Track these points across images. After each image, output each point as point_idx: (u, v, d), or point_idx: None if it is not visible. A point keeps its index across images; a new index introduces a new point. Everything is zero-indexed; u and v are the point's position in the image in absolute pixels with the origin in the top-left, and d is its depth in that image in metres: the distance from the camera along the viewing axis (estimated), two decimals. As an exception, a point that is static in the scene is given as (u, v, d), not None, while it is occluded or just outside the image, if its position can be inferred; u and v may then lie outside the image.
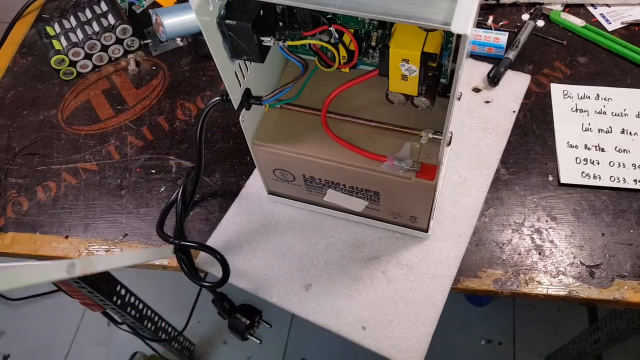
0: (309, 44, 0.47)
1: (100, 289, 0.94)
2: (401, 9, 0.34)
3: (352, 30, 0.47)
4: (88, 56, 0.74)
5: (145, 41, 0.78)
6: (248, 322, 0.67)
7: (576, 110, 0.66)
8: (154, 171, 0.67)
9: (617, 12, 0.73)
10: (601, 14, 0.73)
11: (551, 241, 0.58)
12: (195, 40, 0.75)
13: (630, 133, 0.63)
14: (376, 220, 0.59)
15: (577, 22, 0.71)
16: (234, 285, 0.59)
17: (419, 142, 0.51)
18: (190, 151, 0.69)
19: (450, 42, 0.46)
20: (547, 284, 0.56)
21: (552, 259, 0.57)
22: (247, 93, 0.49)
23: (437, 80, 0.48)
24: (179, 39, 0.77)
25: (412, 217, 0.56)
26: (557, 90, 0.68)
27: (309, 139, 0.52)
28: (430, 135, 0.50)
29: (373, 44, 0.49)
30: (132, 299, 1.03)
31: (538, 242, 0.59)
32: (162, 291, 1.41)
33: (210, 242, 0.61)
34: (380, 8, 0.34)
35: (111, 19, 0.74)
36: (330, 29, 0.43)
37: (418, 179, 0.49)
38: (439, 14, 0.34)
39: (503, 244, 0.59)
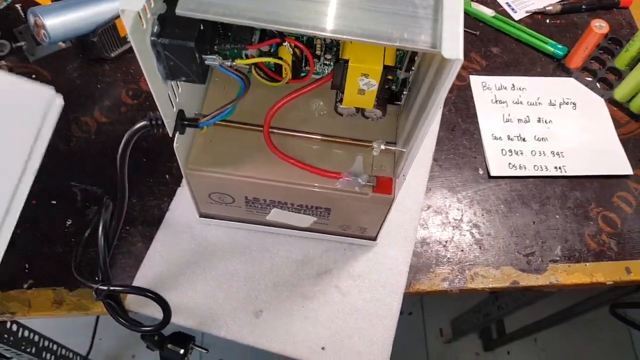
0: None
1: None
2: (384, 31, 0.31)
3: (304, 41, 0.43)
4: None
5: (18, 44, 0.66)
6: (182, 351, 0.61)
7: (496, 101, 0.68)
8: (54, 202, 0.58)
9: (521, 0, 0.76)
10: (507, 3, 0.75)
11: (489, 234, 0.60)
12: (83, 42, 0.64)
13: (545, 121, 0.67)
14: (323, 234, 0.56)
15: (487, 12, 0.73)
16: (176, 325, 0.52)
17: (371, 155, 0.48)
18: (96, 173, 0.59)
19: (403, 52, 0.43)
20: (491, 278, 0.57)
21: (492, 251, 0.59)
22: (181, 115, 0.43)
23: (390, 90, 0.45)
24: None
25: (362, 228, 0.54)
26: (476, 82, 0.69)
27: (251, 159, 0.47)
28: (383, 147, 0.47)
29: (318, 52, 0.45)
30: (26, 333, 0.90)
31: (477, 236, 0.60)
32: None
33: (137, 281, 0.54)
34: (364, 30, 0.31)
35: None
36: (285, 44, 0.39)
37: (375, 194, 0.47)
38: (425, 35, 0.31)
39: (446, 242, 0.59)
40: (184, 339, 0.62)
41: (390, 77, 0.41)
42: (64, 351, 1.06)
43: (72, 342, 1.07)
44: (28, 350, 0.90)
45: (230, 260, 0.56)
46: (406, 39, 0.31)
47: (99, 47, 0.64)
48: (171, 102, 0.41)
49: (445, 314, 1.33)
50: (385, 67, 0.40)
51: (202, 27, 0.36)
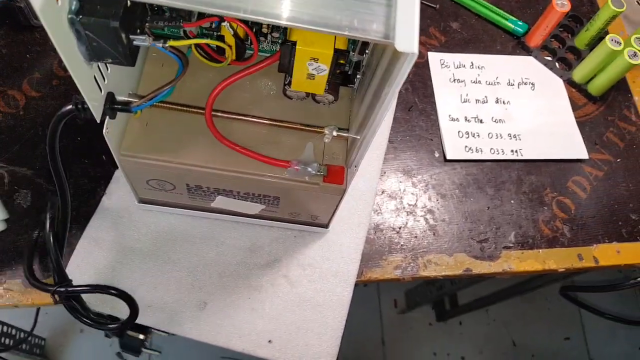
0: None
1: None
2: (334, 18, 0.27)
3: (245, 22, 0.38)
4: None
5: None
6: (142, 336, 0.58)
7: (454, 80, 0.65)
8: (-23, 185, 0.52)
9: (482, -26, 0.72)
10: (467, -24, 0.72)
11: (443, 220, 0.59)
12: (8, 7, 0.58)
13: (503, 102, 0.65)
14: (272, 221, 0.53)
15: (447, -16, 0.69)
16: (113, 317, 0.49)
17: (322, 141, 0.45)
18: (25, 153, 0.54)
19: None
20: (444, 265, 0.56)
21: (446, 237, 0.58)
22: (110, 98, 0.38)
23: (343, 74, 0.42)
24: (-19, 1, 0.59)
25: (313, 215, 0.52)
26: (434, 59, 0.66)
27: (193, 144, 0.43)
28: (335, 133, 0.44)
29: (264, 30, 0.41)
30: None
31: (431, 222, 0.58)
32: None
33: (70, 268, 0.50)
34: (310, 16, 0.27)
35: None
36: (224, 23, 0.34)
37: (326, 184, 0.44)
38: (377, 23, 0.28)
39: (400, 228, 0.57)
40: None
41: (342, 61, 0.38)
42: (5, 328, 1.01)
43: (15, 317, 1.03)
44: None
45: (172, 248, 0.52)
46: (356, 27, 0.28)
47: (26, 12, 0.58)
48: (98, 84, 0.36)
49: (400, 286, 1.34)
50: (336, 50, 0.36)
51: (129, 3, 0.32)
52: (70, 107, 0.37)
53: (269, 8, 0.27)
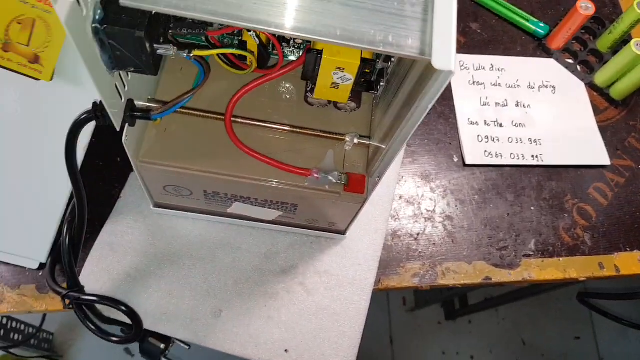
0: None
1: None
2: (366, 32, 0.26)
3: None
4: None
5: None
6: (163, 345, 0.57)
7: (473, 82, 0.64)
8: (-10, 186, 0.52)
9: (503, -27, 0.71)
10: (488, -24, 0.70)
11: (462, 227, 0.58)
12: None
13: (524, 105, 0.64)
14: (288, 227, 0.53)
15: (468, -16, 0.68)
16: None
17: (343, 149, 0.44)
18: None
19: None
20: (463, 274, 0.55)
21: (465, 245, 0.57)
22: (130, 106, 0.37)
23: (366, 82, 0.41)
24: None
25: (330, 222, 0.51)
26: (453, 60, 0.65)
27: (211, 151, 0.42)
28: (356, 141, 0.43)
29: (288, 37, 0.40)
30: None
31: (450, 229, 0.57)
32: None
33: (84, 274, 0.50)
34: (342, 31, 0.26)
35: None
36: (251, 33, 0.33)
37: (347, 193, 0.43)
38: (412, 39, 0.27)
39: (418, 235, 0.56)
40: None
41: (367, 70, 0.37)
42: (14, 324, 1.01)
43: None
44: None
45: (188, 254, 0.52)
46: (391, 43, 0.26)
47: None
48: (119, 92, 0.35)
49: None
50: (363, 60, 0.35)
51: (153, 12, 0.31)
52: (87, 113, 0.37)
53: (300, 22, 0.26)
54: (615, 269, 0.58)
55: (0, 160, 0.50)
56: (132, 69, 0.33)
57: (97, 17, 0.29)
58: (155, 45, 0.32)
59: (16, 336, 1.01)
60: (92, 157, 0.54)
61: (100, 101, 0.35)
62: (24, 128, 0.49)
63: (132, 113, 0.37)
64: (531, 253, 0.57)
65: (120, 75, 0.35)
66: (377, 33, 0.27)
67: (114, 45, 0.30)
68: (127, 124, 0.37)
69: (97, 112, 0.36)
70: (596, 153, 0.62)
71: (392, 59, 0.40)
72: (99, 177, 0.54)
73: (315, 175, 0.42)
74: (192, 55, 0.33)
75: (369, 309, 0.52)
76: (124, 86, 0.36)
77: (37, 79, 0.43)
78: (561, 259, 0.57)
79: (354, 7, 0.27)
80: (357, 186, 0.43)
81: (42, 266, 0.50)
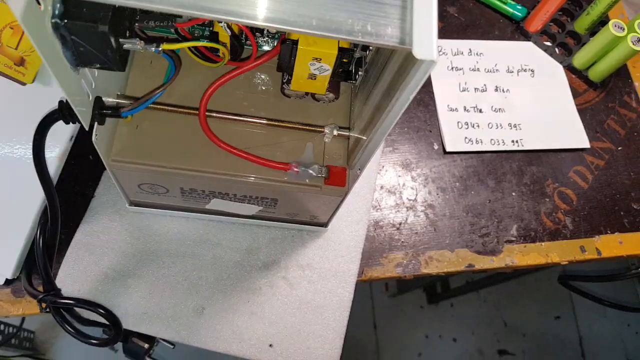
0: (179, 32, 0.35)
1: None
2: (343, 22, 0.25)
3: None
4: None
5: None
6: (147, 345, 0.56)
7: (452, 68, 0.63)
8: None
9: (479, -45, 0.70)
10: (465, -42, 0.69)
11: (444, 215, 0.57)
12: None
13: (503, 90, 0.63)
14: (269, 221, 0.52)
15: (444, -33, 0.67)
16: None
17: (323, 141, 0.43)
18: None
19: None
20: (446, 262, 0.55)
21: (447, 233, 0.56)
22: (99, 103, 0.36)
23: (345, 72, 0.40)
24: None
25: (312, 215, 0.50)
26: (432, 46, 0.64)
27: (186, 147, 0.41)
28: (336, 132, 0.42)
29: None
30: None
31: (432, 217, 0.57)
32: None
33: (60, 276, 0.48)
34: (319, 21, 0.25)
35: None
36: (222, 24, 0.32)
37: (327, 186, 0.42)
38: (392, 27, 0.26)
39: (400, 224, 0.56)
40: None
41: (345, 60, 0.36)
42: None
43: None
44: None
45: (167, 252, 0.50)
46: (370, 32, 0.25)
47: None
48: (86, 90, 0.34)
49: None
50: (340, 49, 0.34)
51: (116, 5, 0.29)
52: (53, 111, 0.35)
53: (273, 12, 0.25)
54: (597, 251, 0.58)
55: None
56: (98, 66, 0.31)
57: (57, 12, 0.27)
58: (120, 40, 0.30)
59: (-5, 337, 0.99)
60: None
61: (67, 100, 0.34)
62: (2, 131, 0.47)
63: (101, 111, 0.35)
64: (513, 239, 0.57)
65: (87, 72, 0.33)
66: (355, 22, 0.25)
67: (77, 41, 0.29)
68: (96, 123, 0.36)
69: (64, 111, 0.35)
70: (576, 136, 0.63)
71: (370, 48, 0.39)
72: (71, 176, 0.52)
73: (295, 169, 0.41)
74: (161, 49, 0.32)
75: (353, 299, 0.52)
76: (92, 83, 0.34)
77: (20, 81, 0.42)
78: (543, 243, 0.58)
79: (330, -5, 0.26)
80: (338, 179, 0.42)
81: (7, 282, 0.48)
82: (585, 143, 0.62)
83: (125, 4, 0.23)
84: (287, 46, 0.35)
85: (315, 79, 0.37)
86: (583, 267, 0.90)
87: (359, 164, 0.40)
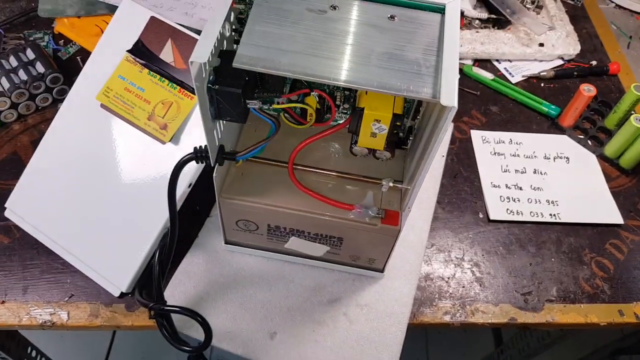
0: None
1: (11, 352, 0.86)
2: (395, 84, 0.38)
3: (327, 92, 0.50)
4: (14, 105, 0.69)
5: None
6: None
7: (494, 153, 0.75)
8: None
9: (518, 66, 0.84)
10: (505, 68, 0.84)
11: (489, 273, 0.65)
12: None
13: (540, 172, 0.73)
14: (334, 264, 0.62)
15: (487, 75, 0.81)
16: (194, 339, 0.58)
17: (380, 191, 0.55)
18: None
19: (409, 104, 0.51)
20: (490, 314, 0.62)
21: (491, 289, 0.64)
22: (221, 149, 0.50)
23: (398, 136, 0.53)
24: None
25: (370, 259, 0.60)
26: (476, 135, 0.76)
27: (276, 190, 0.54)
28: (391, 184, 0.54)
29: (338, 102, 0.53)
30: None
31: (478, 274, 0.65)
32: (71, 346, 1.31)
33: (166, 295, 0.60)
34: (378, 83, 0.38)
35: (39, 67, 0.70)
36: (313, 93, 0.46)
37: (383, 224, 0.53)
38: (426, 87, 0.39)
39: (448, 278, 0.64)
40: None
41: (398, 123, 0.49)
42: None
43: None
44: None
45: (250, 284, 0.61)
46: (412, 90, 0.38)
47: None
48: (215, 138, 0.48)
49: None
50: (394, 114, 0.47)
51: (247, 78, 0.44)
52: (189, 154, 0.50)
53: (349, 77, 0.39)
54: (635, 316, 0.63)
55: (112, 195, 0.61)
56: (228, 118, 0.46)
57: (211, 79, 0.42)
58: (247, 101, 0.45)
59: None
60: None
61: (201, 145, 0.48)
62: (140, 173, 0.61)
63: (222, 155, 0.50)
64: (553, 298, 0.64)
65: (218, 125, 0.48)
66: (402, 84, 0.39)
67: (219, 100, 0.43)
68: (217, 164, 0.50)
69: (198, 153, 0.49)
70: (610, 214, 0.70)
71: (418, 117, 0.52)
72: (181, 221, 0.65)
73: (358, 210, 0.53)
74: (271, 108, 0.46)
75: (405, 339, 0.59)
76: (219, 134, 0.49)
77: (161, 140, 0.59)
78: (582, 305, 0.63)
79: (386, 68, 0.39)
80: (392, 219, 0.53)
81: (122, 295, 0.60)
82: (619, 219, 0.69)
83: (262, 71, 0.38)
84: (356, 112, 0.48)
85: (375, 137, 0.50)
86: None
87: (409, 204, 0.51)
